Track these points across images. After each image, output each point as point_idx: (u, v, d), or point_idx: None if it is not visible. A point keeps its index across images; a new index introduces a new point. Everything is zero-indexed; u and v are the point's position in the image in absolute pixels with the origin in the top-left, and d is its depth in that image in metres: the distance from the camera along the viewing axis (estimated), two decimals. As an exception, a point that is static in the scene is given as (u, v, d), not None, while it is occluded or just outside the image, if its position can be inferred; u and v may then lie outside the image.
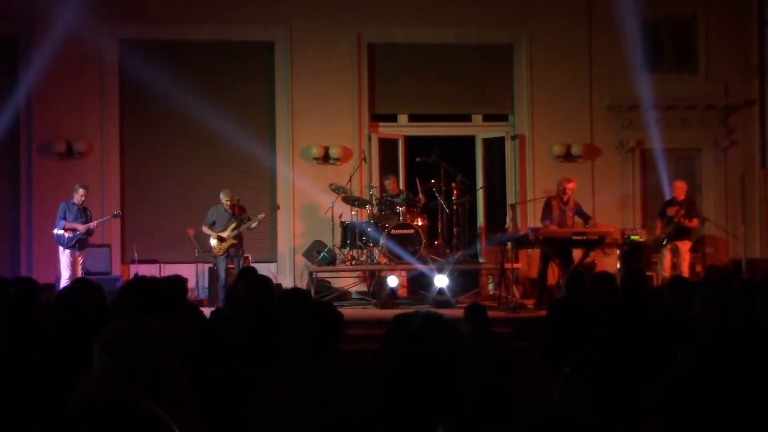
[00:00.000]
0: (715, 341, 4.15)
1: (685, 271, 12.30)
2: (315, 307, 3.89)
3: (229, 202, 12.49)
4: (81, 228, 12.06)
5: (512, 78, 14.90)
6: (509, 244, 12.25)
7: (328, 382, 3.36)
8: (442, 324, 2.34)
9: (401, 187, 13.70)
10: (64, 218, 12.10)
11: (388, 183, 13.21)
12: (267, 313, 4.99)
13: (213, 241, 12.45)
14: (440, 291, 11.83)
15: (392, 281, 12.11)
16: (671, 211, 12.64)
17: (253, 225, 12.63)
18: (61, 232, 12.02)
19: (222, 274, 12.37)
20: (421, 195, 12.95)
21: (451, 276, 12.06)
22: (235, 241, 12.47)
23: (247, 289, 5.42)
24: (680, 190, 12.82)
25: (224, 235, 12.39)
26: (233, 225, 12.45)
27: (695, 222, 12.92)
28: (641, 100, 14.54)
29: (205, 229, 12.54)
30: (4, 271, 12.18)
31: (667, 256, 12.64)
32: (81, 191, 12.24)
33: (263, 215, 12.72)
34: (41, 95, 13.75)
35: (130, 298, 3.84)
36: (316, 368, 3.49)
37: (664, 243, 12.61)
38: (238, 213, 12.61)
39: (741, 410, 3.96)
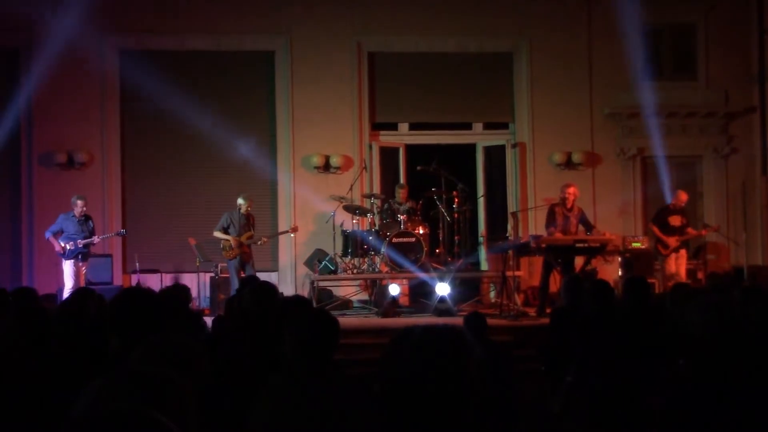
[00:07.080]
0: (716, 349, 4.14)
1: (684, 276, 12.54)
2: (310, 314, 3.85)
3: (247, 207, 12.45)
4: (58, 248, 11.87)
5: (512, 86, 14.90)
6: (510, 252, 12.25)
7: (328, 393, 3.35)
8: (446, 334, 2.33)
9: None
10: (60, 231, 11.98)
11: (402, 192, 13.15)
12: (268, 323, 4.97)
13: (227, 244, 12.32)
14: (441, 299, 11.83)
15: (394, 290, 12.09)
16: (675, 221, 12.78)
17: (259, 243, 12.63)
18: (64, 243, 11.94)
19: (234, 280, 12.02)
20: (417, 201, 12.96)
21: (453, 284, 12.05)
22: (248, 250, 12.42)
23: (252, 297, 5.34)
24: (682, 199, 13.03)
25: (242, 239, 12.31)
26: (249, 233, 12.40)
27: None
28: (641, 108, 14.56)
29: (219, 234, 12.43)
30: (5, 281, 12.15)
31: (672, 262, 12.78)
32: (80, 203, 12.06)
33: (265, 239, 12.71)
34: (42, 106, 13.78)
35: (124, 311, 3.78)
36: (316, 379, 3.47)
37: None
38: (253, 222, 12.57)
39: (743, 417, 3.95)
